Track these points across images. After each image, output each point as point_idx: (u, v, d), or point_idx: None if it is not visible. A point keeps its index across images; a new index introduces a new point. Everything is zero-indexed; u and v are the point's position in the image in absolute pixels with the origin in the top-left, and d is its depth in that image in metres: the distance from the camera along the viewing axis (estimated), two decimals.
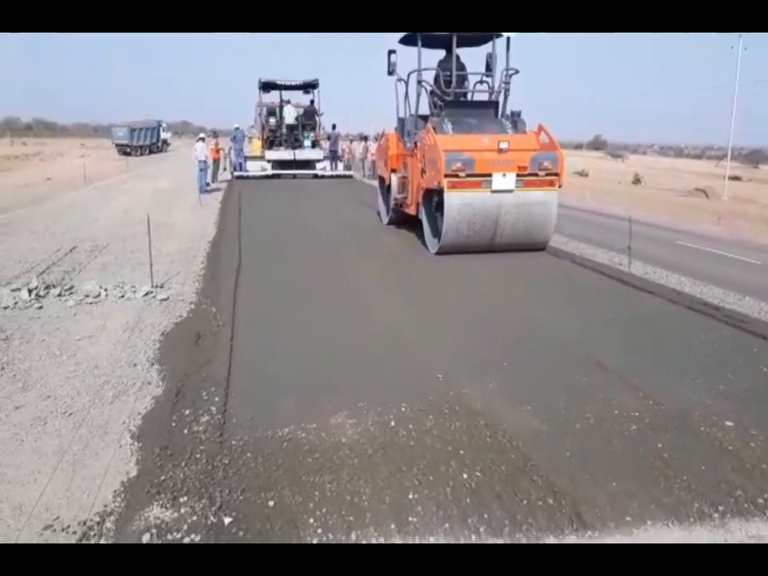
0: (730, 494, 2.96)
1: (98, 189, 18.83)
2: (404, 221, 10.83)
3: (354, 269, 7.90)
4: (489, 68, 9.94)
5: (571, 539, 2.64)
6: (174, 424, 3.58)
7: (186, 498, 2.86)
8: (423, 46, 9.68)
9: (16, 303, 6.04)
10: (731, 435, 3.54)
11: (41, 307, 5.98)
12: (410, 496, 2.91)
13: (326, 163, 22.69)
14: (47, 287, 6.54)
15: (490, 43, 9.84)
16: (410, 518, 2.75)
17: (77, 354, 4.79)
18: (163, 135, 47.68)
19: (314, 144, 22.64)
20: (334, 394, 4.01)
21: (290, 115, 22.44)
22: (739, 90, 25.51)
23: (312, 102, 23.51)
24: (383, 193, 11.92)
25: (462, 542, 2.61)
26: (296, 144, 22.31)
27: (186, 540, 2.56)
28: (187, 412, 3.74)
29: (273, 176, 21.30)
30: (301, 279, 7.29)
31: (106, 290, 6.48)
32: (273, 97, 23.69)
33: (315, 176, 22.10)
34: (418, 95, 9.81)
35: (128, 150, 38.88)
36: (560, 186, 8.65)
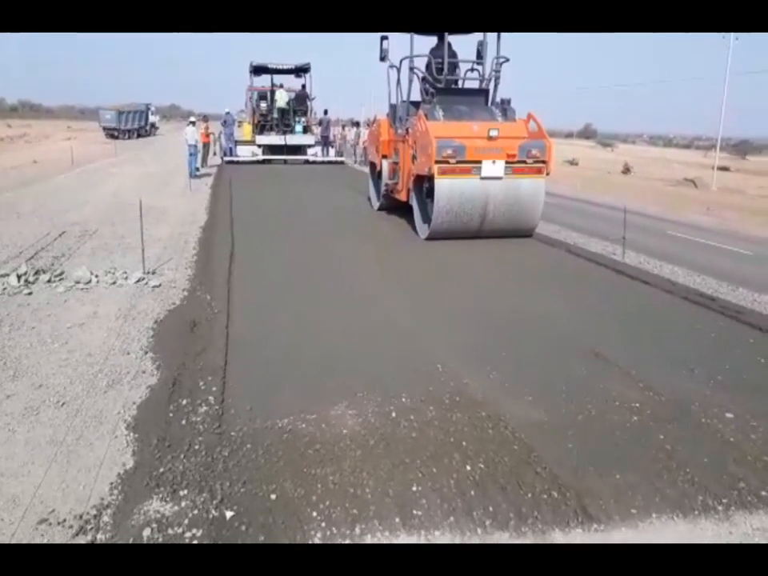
0: (733, 487, 2.96)
1: (85, 172, 18.50)
2: (394, 207, 10.77)
3: (346, 256, 7.81)
4: (480, 56, 9.92)
5: (577, 533, 2.62)
6: (171, 414, 3.51)
7: (186, 492, 2.80)
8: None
9: (5, 289, 5.91)
10: (732, 427, 3.55)
11: (30, 293, 5.85)
12: (414, 488, 2.88)
13: (318, 149, 22.37)
14: (36, 273, 6.40)
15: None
16: (415, 511, 2.71)
17: (69, 341, 4.69)
18: (151, 119, 47.01)
19: (306, 129, 22.33)
20: (333, 383, 3.96)
21: (281, 99, 22.09)
22: (729, 80, 25.60)
23: (303, 86, 23.13)
24: (374, 179, 11.84)
25: (468, 535, 2.58)
26: (287, 129, 22.00)
27: (188, 535, 2.51)
28: (184, 402, 3.67)
29: (263, 161, 20.94)
30: (294, 266, 7.20)
31: (97, 276, 6.35)
32: (264, 81, 23.38)
33: (306, 162, 21.79)
34: (410, 82, 9.76)
35: (115, 133, 38.24)
36: (548, 174, 8.69)
